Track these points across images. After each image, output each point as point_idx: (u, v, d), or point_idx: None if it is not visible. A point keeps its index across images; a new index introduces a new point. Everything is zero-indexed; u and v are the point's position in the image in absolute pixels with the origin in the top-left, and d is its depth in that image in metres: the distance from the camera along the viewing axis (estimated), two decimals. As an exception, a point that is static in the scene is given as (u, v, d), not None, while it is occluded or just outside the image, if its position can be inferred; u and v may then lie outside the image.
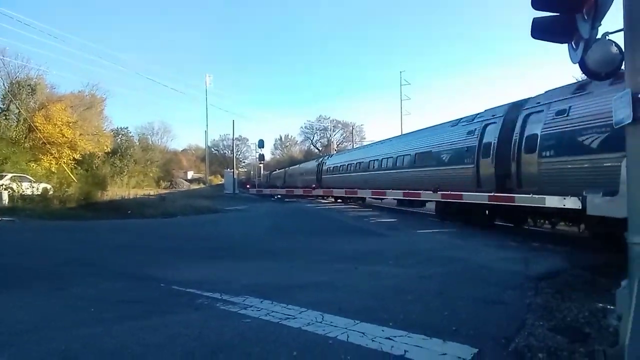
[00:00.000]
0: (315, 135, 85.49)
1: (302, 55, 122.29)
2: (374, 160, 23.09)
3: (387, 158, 20.98)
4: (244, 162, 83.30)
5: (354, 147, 58.12)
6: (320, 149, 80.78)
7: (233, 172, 42.17)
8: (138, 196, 26.91)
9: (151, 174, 50.68)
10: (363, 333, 4.17)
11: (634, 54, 2.90)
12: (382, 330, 4.25)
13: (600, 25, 2.82)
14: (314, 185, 32.42)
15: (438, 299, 5.51)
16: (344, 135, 79.89)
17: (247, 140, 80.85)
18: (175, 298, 5.75)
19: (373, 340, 3.98)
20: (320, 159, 37.28)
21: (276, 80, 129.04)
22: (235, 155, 51.59)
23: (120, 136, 47.68)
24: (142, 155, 49.20)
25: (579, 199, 7.75)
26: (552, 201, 9.23)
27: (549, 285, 6.20)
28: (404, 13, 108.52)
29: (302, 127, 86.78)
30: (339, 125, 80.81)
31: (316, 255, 8.99)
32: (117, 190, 29.96)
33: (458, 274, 7.00)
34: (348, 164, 27.94)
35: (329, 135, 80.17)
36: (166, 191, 41.97)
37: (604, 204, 3.81)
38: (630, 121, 2.84)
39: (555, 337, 4.16)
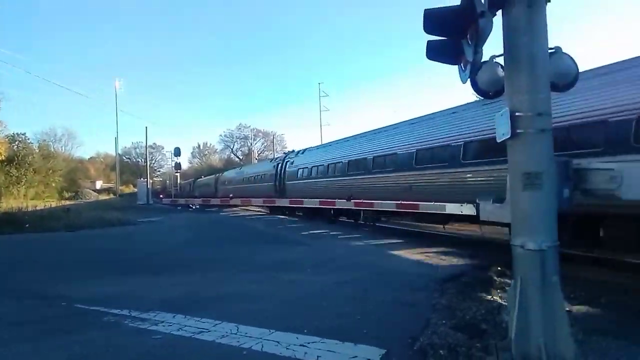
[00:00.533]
0: (236, 143, 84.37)
1: (221, 63, 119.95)
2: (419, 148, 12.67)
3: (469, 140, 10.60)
4: (159, 171, 79.86)
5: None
6: (241, 157, 79.72)
7: (147, 181, 40.06)
8: (38, 208, 24.58)
9: (54, 184, 46.42)
10: (278, 342, 4.21)
11: (511, 77, 3.30)
12: (297, 338, 4.32)
13: (482, 49, 3.16)
14: (269, 195, 24.27)
15: (352, 303, 5.71)
16: (265, 144, 79.78)
17: (163, 148, 77.75)
18: (78, 317, 5.37)
19: (287, 348, 4.04)
20: (284, 157, 25.52)
21: (194, 87, 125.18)
22: (149, 163, 49.14)
23: (16, 143, 43.16)
24: (43, 164, 44.81)
25: (474, 206, 8.41)
26: (452, 208, 9.99)
27: (453, 286, 6.70)
28: (326, 25, 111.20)
29: (221, 136, 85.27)
30: (260, 134, 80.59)
31: (235, 267, 8.85)
32: (12, 202, 27.15)
33: (372, 279, 7.29)
34: (346, 160, 17.14)
35: (249, 144, 79.48)
36: (71, 202, 38.73)
37: (494, 210, 4.22)
38: (509, 136, 3.23)
39: (456, 334, 4.51)
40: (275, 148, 71.10)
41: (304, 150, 23.94)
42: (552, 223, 3.24)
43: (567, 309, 5.46)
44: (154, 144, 73.91)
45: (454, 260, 9.02)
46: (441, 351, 3.99)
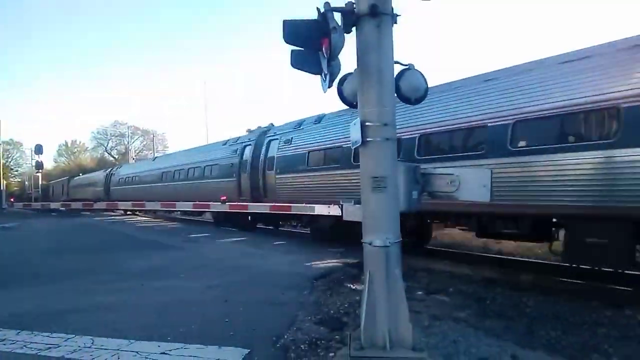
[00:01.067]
0: (110, 141, 77.33)
1: (93, 48, 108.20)
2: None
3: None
4: (16, 171, 70.14)
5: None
6: (116, 157, 73.38)
7: (0, 182, 34.96)
8: None
9: None
10: (136, 352, 4.03)
11: (362, 90, 3.61)
12: (158, 346, 4.17)
13: (339, 62, 3.44)
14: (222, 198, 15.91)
15: (221, 307, 5.67)
16: (144, 143, 74.49)
17: (21, 145, 68.17)
18: None
19: (146, 358, 3.89)
20: (259, 135, 16.00)
21: (59, 73, 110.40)
22: (2, 162, 42.84)
23: None
24: None
25: (339, 206, 8.96)
26: (321, 209, 10.55)
27: (322, 284, 7.05)
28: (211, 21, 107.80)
29: (93, 132, 77.32)
30: (138, 132, 74.86)
31: (99, 276, 8.16)
32: None
33: (246, 281, 7.32)
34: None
35: (126, 142, 73.58)
36: None
37: (354, 211, 4.58)
38: (360, 143, 3.53)
39: (319, 328, 4.78)
40: (156, 147, 67.15)
41: (321, 118, 13.05)
42: (396, 221, 3.61)
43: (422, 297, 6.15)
44: (11, 140, 64.64)
45: (326, 259, 9.44)
46: (302, 346, 4.20)
